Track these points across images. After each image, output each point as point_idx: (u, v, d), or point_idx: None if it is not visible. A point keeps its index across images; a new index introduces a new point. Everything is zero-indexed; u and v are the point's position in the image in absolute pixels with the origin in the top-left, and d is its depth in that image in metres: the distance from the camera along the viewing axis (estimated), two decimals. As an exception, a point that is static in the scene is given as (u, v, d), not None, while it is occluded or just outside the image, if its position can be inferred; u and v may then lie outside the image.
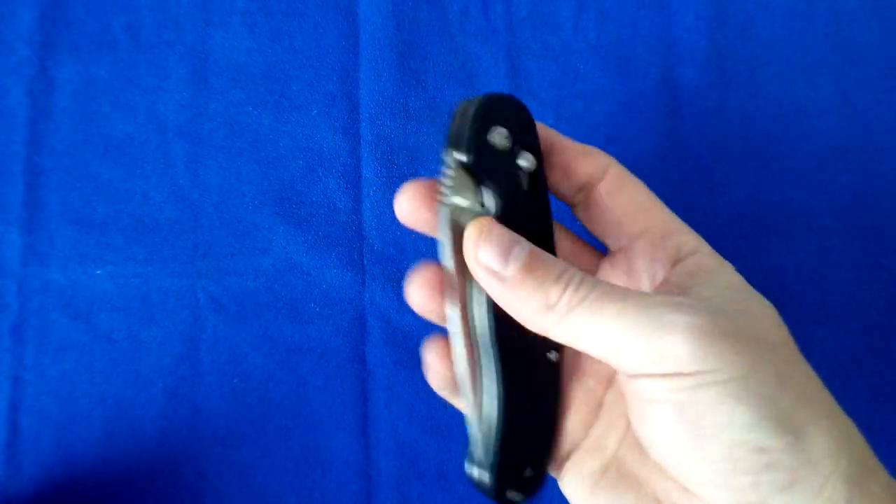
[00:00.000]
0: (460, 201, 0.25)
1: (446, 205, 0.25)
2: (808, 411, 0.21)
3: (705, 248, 0.25)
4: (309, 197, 0.37)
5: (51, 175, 0.37)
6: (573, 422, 0.26)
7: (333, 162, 0.38)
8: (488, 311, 0.24)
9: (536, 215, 0.25)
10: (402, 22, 0.39)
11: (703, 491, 0.22)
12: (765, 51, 0.39)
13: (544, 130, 0.26)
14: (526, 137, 0.25)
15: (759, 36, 0.39)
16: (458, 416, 0.36)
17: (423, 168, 0.38)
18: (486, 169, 0.24)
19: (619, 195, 0.26)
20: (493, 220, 0.24)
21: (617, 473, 0.25)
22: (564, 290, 0.22)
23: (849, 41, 0.39)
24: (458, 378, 0.25)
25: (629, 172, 0.26)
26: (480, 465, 0.25)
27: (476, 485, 0.26)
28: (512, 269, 0.23)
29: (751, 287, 0.24)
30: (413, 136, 0.38)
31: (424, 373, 0.27)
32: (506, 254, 0.23)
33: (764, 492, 0.20)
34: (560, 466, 0.26)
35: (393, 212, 0.37)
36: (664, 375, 0.21)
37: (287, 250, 0.37)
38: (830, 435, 0.21)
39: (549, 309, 0.22)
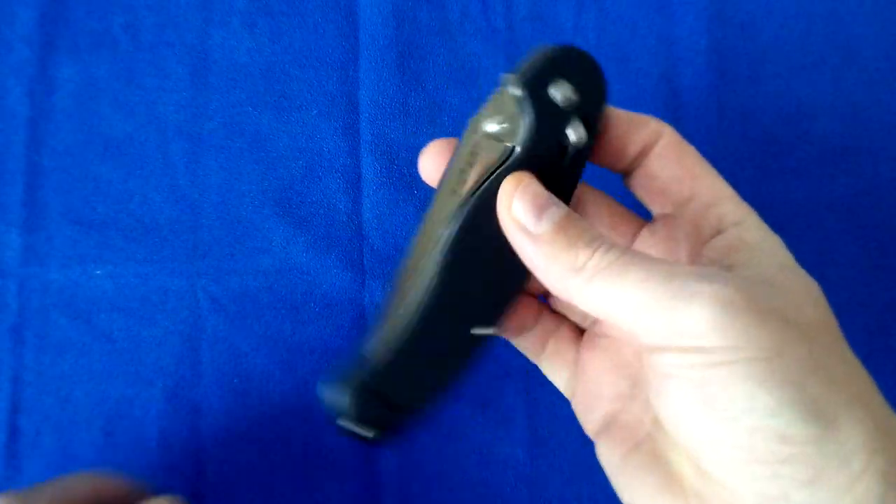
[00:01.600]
0: (490, 126, 0.24)
1: (474, 122, 0.24)
2: (841, 399, 0.19)
3: (751, 220, 0.24)
4: (309, 197, 0.37)
5: (50, 175, 0.37)
6: (609, 389, 0.26)
7: (333, 162, 0.38)
8: (446, 247, 0.23)
9: (558, 183, 0.24)
10: (402, 22, 0.39)
11: (722, 477, 0.20)
12: (765, 51, 0.39)
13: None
14: (588, 109, 0.24)
15: (759, 36, 0.39)
16: (459, 417, 0.36)
17: (423, 168, 0.38)
18: (532, 112, 0.23)
19: (668, 162, 0.25)
20: (533, 176, 0.23)
21: (648, 451, 0.24)
22: (593, 254, 0.21)
23: (849, 41, 0.39)
24: (393, 282, 0.24)
25: (682, 139, 0.25)
26: (346, 381, 0.23)
27: (329, 401, 0.23)
28: (544, 227, 0.22)
29: (796, 264, 0.23)
30: (413, 136, 0.38)
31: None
32: (540, 211, 0.22)
33: (784, 485, 0.19)
34: (596, 433, 0.26)
35: (393, 212, 0.37)
36: (683, 349, 0.20)
37: (287, 250, 0.37)
38: (865, 426, 0.19)
39: (576, 271, 0.21)
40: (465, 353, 0.25)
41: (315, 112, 0.38)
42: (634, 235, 0.27)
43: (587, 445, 0.36)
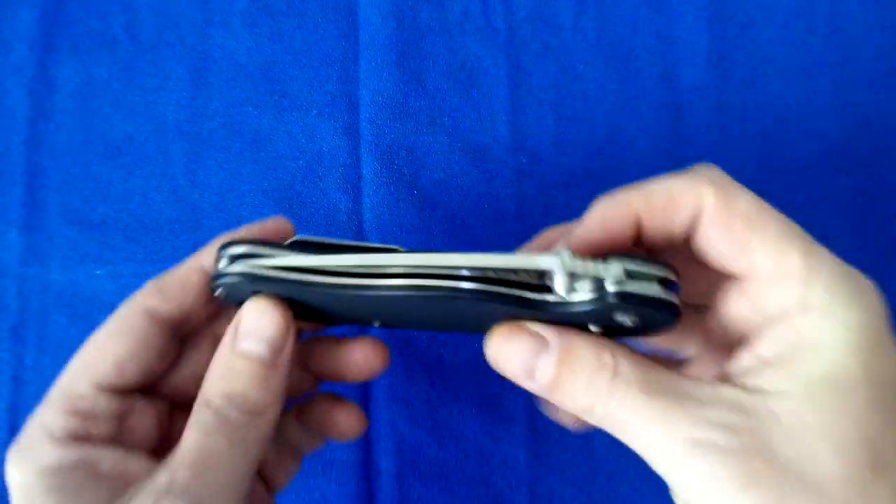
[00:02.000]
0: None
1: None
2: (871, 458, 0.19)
3: (819, 299, 0.20)
4: (309, 197, 0.37)
5: (50, 175, 0.38)
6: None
7: (333, 162, 0.38)
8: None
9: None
10: (402, 22, 0.39)
11: None
12: (765, 50, 0.39)
13: (620, 203, 0.24)
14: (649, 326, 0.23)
15: (759, 35, 0.39)
16: (458, 417, 0.36)
17: (422, 168, 0.38)
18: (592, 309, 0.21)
19: (715, 235, 0.22)
20: (521, 326, 0.23)
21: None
22: (597, 407, 0.21)
23: (849, 41, 0.39)
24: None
25: (732, 198, 0.22)
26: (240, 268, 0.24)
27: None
28: (538, 385, 0.22)
29: (860, 353, 0.20)
30: (413, 136, 0.38)
31: None
32: (528, 371, 0.23)
33: None
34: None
35: (393, 212, 0.37)
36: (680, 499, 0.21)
37: (287, 250, 0.37)
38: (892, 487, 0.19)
39: (587, 413, 0.22)
40: (355, 321, 0.28)
41: (315, 112, 0.38)
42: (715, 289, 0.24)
43: (587, 445, 0.36)
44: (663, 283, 0.22)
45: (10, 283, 0.37)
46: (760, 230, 0.21)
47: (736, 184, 0.22)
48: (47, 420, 0.24)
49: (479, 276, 0.22)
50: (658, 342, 0.28)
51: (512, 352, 0.23)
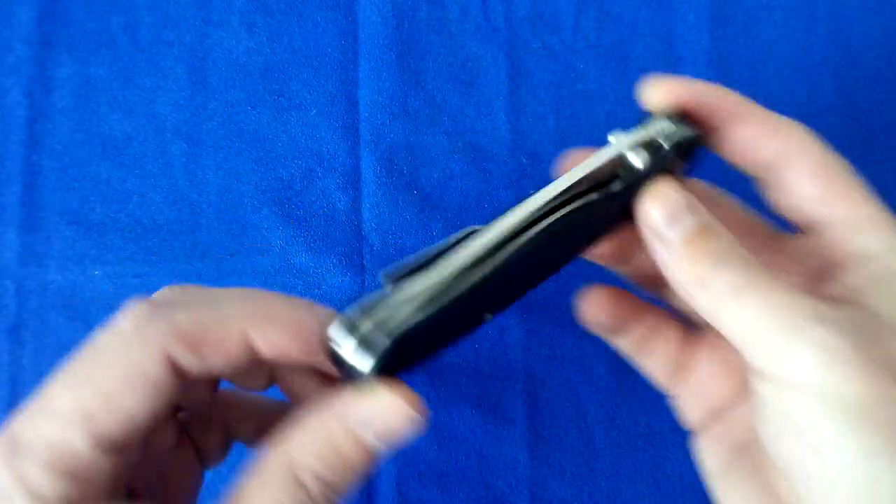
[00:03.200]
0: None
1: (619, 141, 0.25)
2: None
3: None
4: (308, 197, 0.37)
5: (49, 175, 0.37)
6: (718, 387, 0.26)
7: (333, 162, 0.38)
8: (522, 248, 0.23)
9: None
10: (402, 21, 0.38)
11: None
12: (765, 50, 0.39)
13: (728, 97, 0.25)
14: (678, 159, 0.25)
15: (760, 35, 0.39)
16: (458, 418, 0.36)
17: (422, 168, 0.37)
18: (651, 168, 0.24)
19: (809, 180, 0.24)
20: (675, 180, 0.24)
21: (750, 458, 0.24)
22: (720, 275, 0.21)
23: (850, 40, 0.39)
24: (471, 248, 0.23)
25: (828, 151, 0.24)
26: (378, 330, 0.21)
27: (359, 335, 0.21)
28: (674, 235, 0.22)
29: None
30: (413, 135, 0.38)
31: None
32: (672, 220, 0.23)
33: None
34: (699, 427, 0.26)
35: (393, 212, 0.37)
36: (782, 382, 0.20)
37: (286, 251, 0.37)
38: None
39: (700, 286, 0.22)
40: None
41: (314, 112, 0.38)
42: (763, 248, 0.26)
43: (587, 446, 0.36)
44: (686, 121, 0.25)
45: (8, 283, 0.37)
46: (853, 184, 0.24)
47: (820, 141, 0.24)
48: (32, 478, 0.19)
49: (594, 183, 0.24)
50: None
51: (670, 199, 0.23)
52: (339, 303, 0.36)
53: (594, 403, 0.36)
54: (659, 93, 0.24)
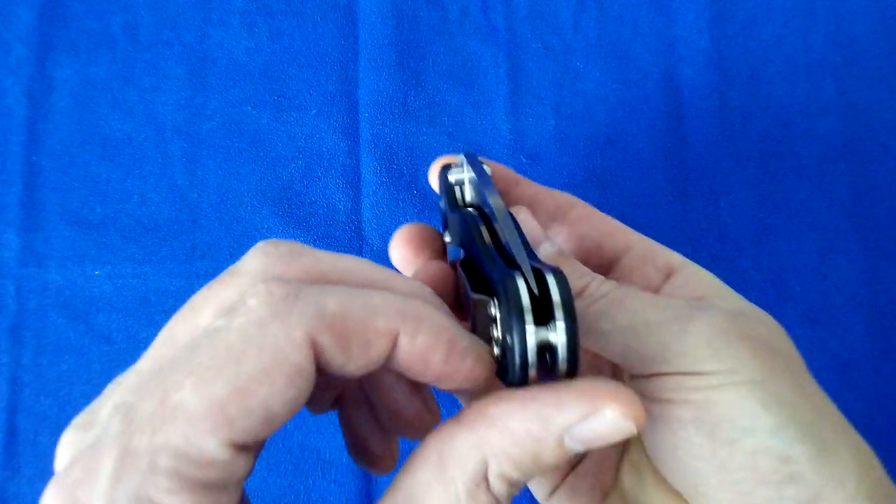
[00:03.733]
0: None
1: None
2: (829, 423, 0.20)
3: (693, 265, 0.25)
4: (308, 197, 0.37)
5: (49, 175, 0.37)
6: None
7: (332, 162, 0.38)
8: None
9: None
10: (402, 21, 0.38)
11: None
12: (765, 50, 0.39)
13: (510, 175, 0.27)
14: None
15: (760, 35, 0.39)
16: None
17: (422, 168, 0.37)
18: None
19: (590, 220, 0.26)
20: (528, 212, 0.25)
21: (618, 499, 0.24)
22: (587, 286, 0.22)
23: (850, 40, 0.39)
24: None
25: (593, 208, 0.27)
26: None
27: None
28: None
29: (750, 302, 0.23)
30: (412, 135, 0.38)
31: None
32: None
33: None
34: (550, 489, 0.25)
35: (392, 212, 0.37)
36: (683, 373, 0.20)
37: (286, 250, 0.37)
38: (852, 451, 0.20)
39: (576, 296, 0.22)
40: None
41: (314, 112, 0.38)
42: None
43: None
44: None
45: (9, 283, 0.37)
46: (623, 225, 0.27)
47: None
48: (158, 499, 0.15)
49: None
50: None
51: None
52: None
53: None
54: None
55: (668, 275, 0.24)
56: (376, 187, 0.37)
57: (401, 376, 0.20)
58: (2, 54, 0.38)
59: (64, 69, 0.38)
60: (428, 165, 0.38)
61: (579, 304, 0.22)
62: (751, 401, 0.19)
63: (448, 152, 0.38)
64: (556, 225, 0.27)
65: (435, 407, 0.22)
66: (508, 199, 0.27)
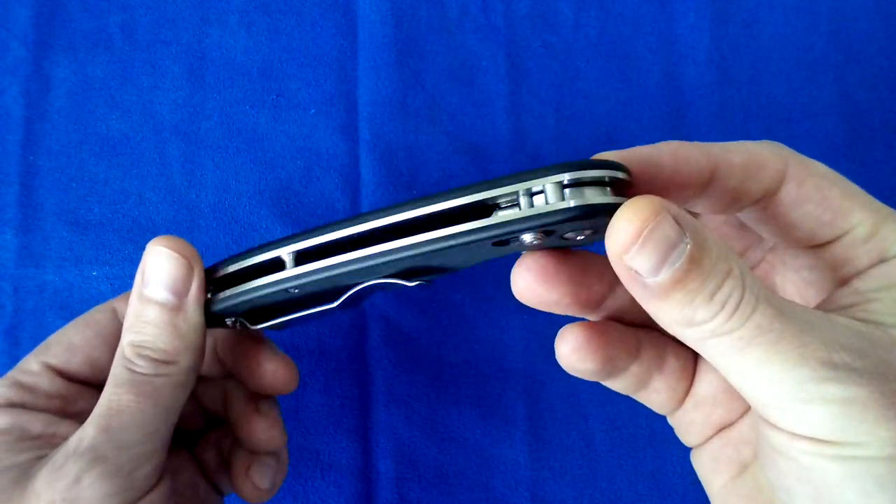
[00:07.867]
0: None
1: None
2: None
3: None
4: (307, 197, 0.37)
5: (46, 175, 0.37)
6: (720, 405, 0.24)
7: (331, 162, 0.37)
8: None
9: None
10: (401, 20, 0.38)
11: None
12: (767, 49, 0.39)
13: (699, 148, 0.22)
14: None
15: (761, 34, 0.39)
16: (458, 419, 0.36)
17: (422, 168, 0.37)
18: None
19: (804, 203, 0.22)
20: (666, 206, 0.18)
21: (752, 478, 0.23)
22: (716, 314, 0.18)
23: (851, 40, 0.39)
24: None
25: (811, 168, 0.22)
26: None
27: None
28: (662, 279, 0.18)
29: None
30: (412, 135, 0.38)
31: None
32: (661, 262, 0.17)
33: None
34: (699, 444, 0.25)
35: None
36: (798, 436, 0.18)
37: (285, 251, 0.37)
38: None
39: (690, 326, 0.18)
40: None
41: (313, 111, 0.38)
42: (749, 251, 0.25)
43: (587, 447, 0.36)
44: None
45: (6, 284, 0.36)
46: (852, 191, 0.22)
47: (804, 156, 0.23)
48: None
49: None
50: None
51: (652, 242, 0.17)
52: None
53: (595, 404, 0.36)
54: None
55: (878, 262, 0.22)
56: (375, 187, 0.37)
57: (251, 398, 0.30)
58: (-1, 54, 0.38)
59: (61, 69, 0.38)
60: (427, 165, 0.38)
61: (695, 333, 0.19)
62: (867, 479, 0.18)
63: (448, 152, 0.38)
64: (758, 215, 0.23)
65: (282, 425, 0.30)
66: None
